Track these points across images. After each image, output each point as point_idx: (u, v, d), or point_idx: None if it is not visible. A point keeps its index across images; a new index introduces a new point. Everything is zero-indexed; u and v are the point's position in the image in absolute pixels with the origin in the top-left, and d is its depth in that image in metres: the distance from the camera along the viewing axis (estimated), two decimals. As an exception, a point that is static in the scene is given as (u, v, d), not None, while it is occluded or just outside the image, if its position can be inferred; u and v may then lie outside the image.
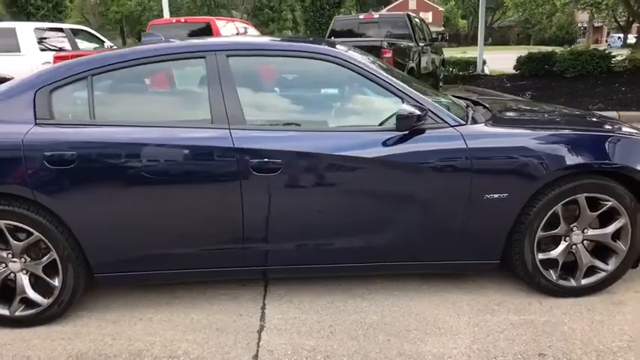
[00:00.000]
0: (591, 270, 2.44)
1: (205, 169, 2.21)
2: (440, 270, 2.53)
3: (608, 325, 2.24)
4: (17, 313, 2.31)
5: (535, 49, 12.53)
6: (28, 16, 13.40)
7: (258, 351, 2.14)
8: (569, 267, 2.46)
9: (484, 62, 12.33)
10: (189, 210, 2.24)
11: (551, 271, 2.43)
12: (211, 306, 2.49)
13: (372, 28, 8.36)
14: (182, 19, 8.58)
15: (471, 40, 43.15)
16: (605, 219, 2.40)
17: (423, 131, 2.26)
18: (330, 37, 8.82)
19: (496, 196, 2.27)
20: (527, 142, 2.29)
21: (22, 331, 2.31)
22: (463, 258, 2.42)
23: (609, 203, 2.33)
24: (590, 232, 2.41)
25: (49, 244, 2.23)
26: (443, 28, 32.57)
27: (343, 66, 2.31)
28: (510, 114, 2.89)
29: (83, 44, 9.23)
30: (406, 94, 2.29)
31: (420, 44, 8.19)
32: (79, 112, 2.26)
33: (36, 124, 2.20)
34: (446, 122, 2.29)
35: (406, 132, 2.24)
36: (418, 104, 2.25)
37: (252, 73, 2.43)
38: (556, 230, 2.38)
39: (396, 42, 6.96)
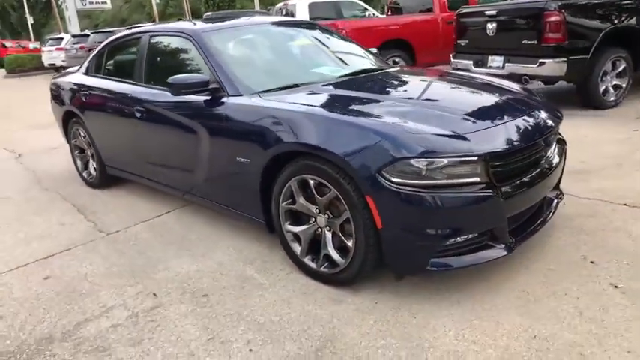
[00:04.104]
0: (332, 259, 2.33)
1: (127, 110, 3.41)
2: (235, 217, 2.91)
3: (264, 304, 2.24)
4: (87, 179, 4.27)
5: None
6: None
7: (121, 231, 3.31)
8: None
9: None
10: (123, 133, 3.55)
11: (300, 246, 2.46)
12: (152, 205, 3.75)
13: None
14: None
15: None
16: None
17: (221, 97, 2.72)
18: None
19: (243, 160, 2.53)
20: (266, 114, 2.40)
21: (88, 189, 4.26)
22: (244, 211, 2.76)
23: (331, 191, 2.18)
24: (330, 218, 2.29)
25: (91, 143, 4.03)
26: None
27: (192, 42, 2.98)
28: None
29: (347, 13, 11.10)
30: (213, 68, 2.77)
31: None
32: (99, 69, 3.88)
33: (87, 75, 3.97)
34: (226, 92, 2.66)
35: (208, 98, 2.75)
36: (214, 75, 2.73)
37: (155, 47, 3.37)
38: (294, 206, 2.40)
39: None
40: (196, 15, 32.19)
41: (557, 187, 2.75)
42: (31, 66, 20.22)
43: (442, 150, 1.97)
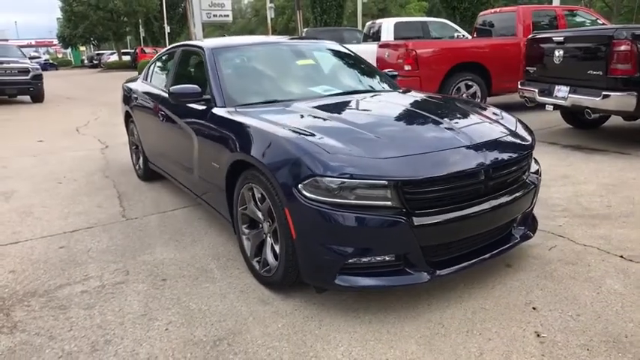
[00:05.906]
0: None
1: (156, 113, 3.93)
2: (217, 214, 3.19)
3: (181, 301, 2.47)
4: (137, 171, 4.93)
5: None
6: (454, 10, 16.05)
7: (139, 218, 3.81)
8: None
9: None
10: (155, 133, 4.08)
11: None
12: (174, 199, 4.23)
13: None
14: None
15: None
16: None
17: (211, 107, 3.06)
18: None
19: (216, 165, 2.82)
20: (230, 125, 2.66)
21: (137, 180, 4.91)
22: (222, 212, 3.04)
23: (266, 200, 2.37)
24: (270, 225, 2.47)
25: (138, 139, 4.66)
26: None
27: (202, 58, 3.37)
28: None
29: (436, 33, 11.05)
30: (209, 81, 3.12)
31: None
32: (149, 77, 4.49)
33: (142, 81, 4.61)
34: (215, 103, 2.98)
35: (204, 107, 3.12)
36: (210, 89, 3.08)
37: (182, 60, 3.82)
38: (246, 211, 2.62)
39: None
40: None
41: (525, 224, 2.61)
42: (158, 70, 22.99)
43: (353, 172, 2.05)
